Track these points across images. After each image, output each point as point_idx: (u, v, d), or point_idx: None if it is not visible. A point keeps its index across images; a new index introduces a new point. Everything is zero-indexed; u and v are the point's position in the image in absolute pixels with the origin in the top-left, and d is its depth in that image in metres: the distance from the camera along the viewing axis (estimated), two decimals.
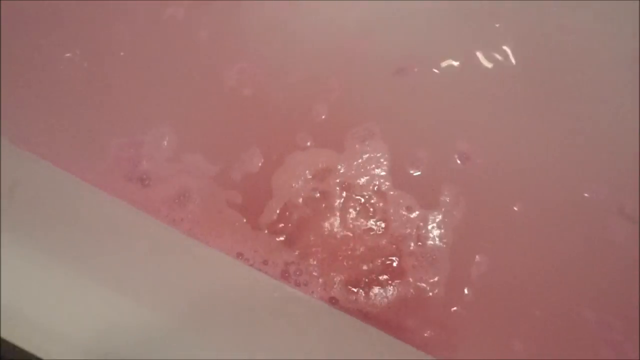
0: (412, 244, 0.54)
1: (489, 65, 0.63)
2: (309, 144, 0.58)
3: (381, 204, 0.56)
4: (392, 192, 0.56)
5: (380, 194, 0.56)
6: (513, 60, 0.63)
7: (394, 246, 0.54)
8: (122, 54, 0.62)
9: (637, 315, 0.53)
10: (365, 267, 0.53)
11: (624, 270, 0.54)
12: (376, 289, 0.53)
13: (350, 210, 0.55)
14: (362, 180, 0.57)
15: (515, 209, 0.56)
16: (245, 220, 0.54)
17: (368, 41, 0.63)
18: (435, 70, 0.62)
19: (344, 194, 0.56)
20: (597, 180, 0.58)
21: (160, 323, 0.41)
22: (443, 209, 0.55)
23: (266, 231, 0.54)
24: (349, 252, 0.53)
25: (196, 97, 0.60)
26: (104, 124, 0.58)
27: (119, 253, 0.48)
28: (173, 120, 0.59)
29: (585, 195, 0.57)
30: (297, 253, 0.53)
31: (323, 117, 0.59)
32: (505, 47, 0.63)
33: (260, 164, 0.57)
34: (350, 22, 0.64)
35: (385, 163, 0.58)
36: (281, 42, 0.63)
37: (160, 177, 0.56)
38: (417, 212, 0.55)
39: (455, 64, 0.63)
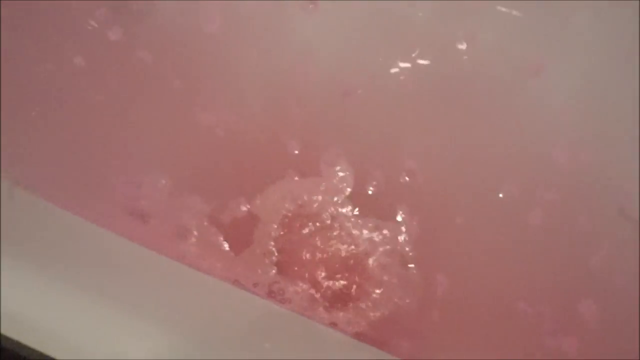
0: (381, 263, 0.62)
1: (429, 76, 0.64)
2: (296, 178, 0.65)
3: (350, 225, 0.63)
4: (357, 215, 0.63)
5: (347, 216, 0.63)
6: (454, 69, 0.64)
7: (365, 265, 0.62)
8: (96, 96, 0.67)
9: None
10: (342, 286, 0.62)
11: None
12: (355, 306, 0.61)
13: (326, 233, 0.63)
14: (334, 203, 0.64)
15: (458, 221, 0.62)
16: (235, 251, 0.62)
17: (313, 67, 0.66)
18: (377, 88, 0.65)
19: (320, 219, 0.63)
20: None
21: (174, 348, 0.49)
22: (403, 228, 0.62)
23: (255, 258, 0.62)
24: (328, 273, 0.62)
25: (175, 139, 0.66)
26: (104, 166, 0.64)
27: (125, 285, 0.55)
28: (162, 163, 0.65)
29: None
30: (281, 275, 0.62)
31: (296, 152, 0.66)
32: (442, 57, 0.65)
33: (246, 201, 0.64)
34: (293, 50, 0.66)
35: (349, 186, 0.64)
36: (242, 83, 0.67)
37: (159, 214, 0.62)
38: (380, 232, 0.62)
39: (394, 78, 0.64)
